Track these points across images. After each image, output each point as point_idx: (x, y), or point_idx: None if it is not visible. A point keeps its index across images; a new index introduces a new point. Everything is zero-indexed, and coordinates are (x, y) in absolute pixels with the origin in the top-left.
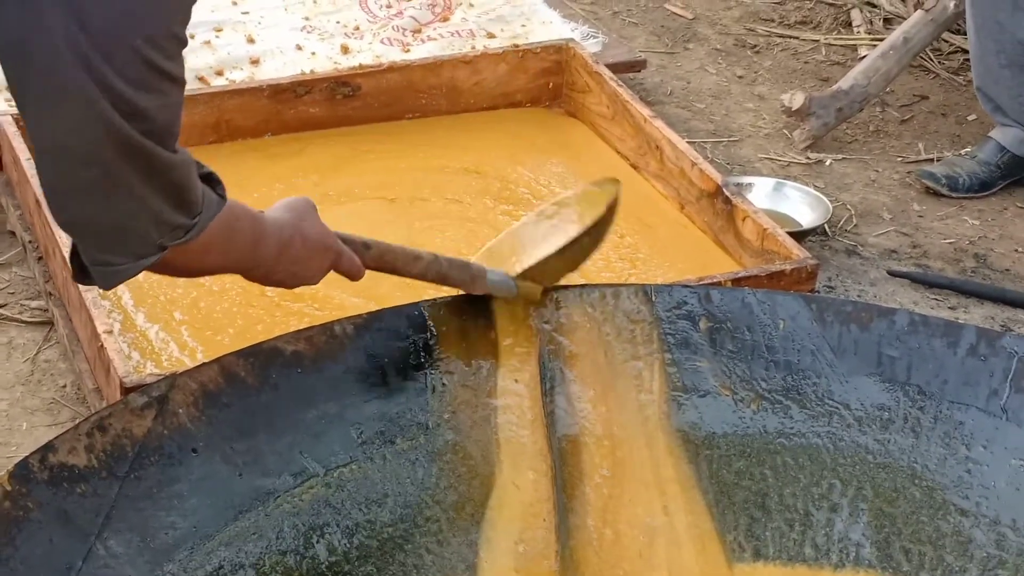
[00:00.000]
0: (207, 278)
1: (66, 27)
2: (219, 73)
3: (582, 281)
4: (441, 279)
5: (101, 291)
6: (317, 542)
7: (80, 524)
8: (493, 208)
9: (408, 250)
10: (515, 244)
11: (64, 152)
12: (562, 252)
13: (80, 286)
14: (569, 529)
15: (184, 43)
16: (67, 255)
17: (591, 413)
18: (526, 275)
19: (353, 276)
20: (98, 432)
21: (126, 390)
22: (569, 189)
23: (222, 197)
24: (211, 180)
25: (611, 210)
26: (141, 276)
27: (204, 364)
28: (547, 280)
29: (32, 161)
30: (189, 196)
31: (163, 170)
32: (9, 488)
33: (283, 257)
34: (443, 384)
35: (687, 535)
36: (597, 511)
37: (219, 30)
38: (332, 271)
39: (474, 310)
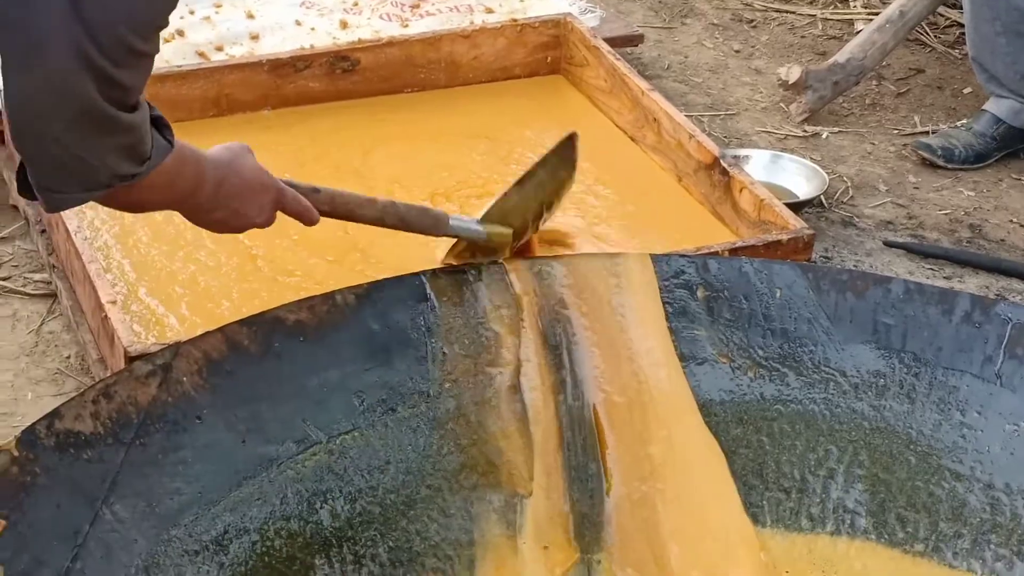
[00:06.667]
0: (203, 254)
1: (62, 12)
2: (219, 48)
3: (583, 250)
4: (401, 224)
5: (103, 264)
6: (320, 507)
7: (87, 489)
8: (503, 168)
9: (361, 196)
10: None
11: (38, 111)
12: (520, 185)
13: (84, 259)
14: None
15: (164, 27)
16: (13, 172)
17: (597, 379)
18: (490, 217)
19: (304, 218)
20: (104, 399)
21: (130, 359)
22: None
23: (169, 142)
24: (159, 124)
25: (567, 144)
26: (142, 248)
27: (208, 333)
28: (515, 221)
29: None
30: (141, 148)
31: (123, 132)
32: (16, 454)
33: (220, 194)
34: (444, 353)
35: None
36: (620, 475)
37: (219, 6)
38: (283, 213)
39: (475, 280)
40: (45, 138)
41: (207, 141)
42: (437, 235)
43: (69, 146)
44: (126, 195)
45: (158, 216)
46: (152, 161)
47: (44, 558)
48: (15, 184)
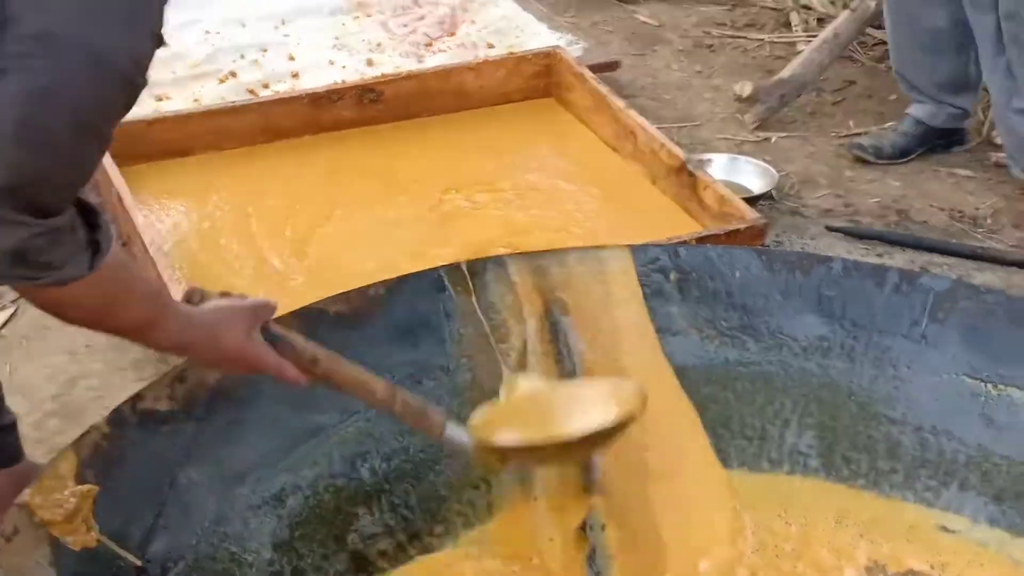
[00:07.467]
0: (256, 259)
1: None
2: (266, 86)
3: (577, 244)
4: (395, 417)
5: (176, 269)
6: (361, 466)
7: (166, 458)
8: (503, 172)
9: (363, 377)
10: (526, 409)
11: None
12: (545, 449)
13: (159, 267)
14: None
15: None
16: None
17: (590, 351)
18: (496, 449)
19: (288, 382)
20: (178, 383)
21: None
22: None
23: (91, 266)
24: (97, 246)
25: (621, 425)
26: (206, 253)
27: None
28: (516, 463)
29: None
30: (36, 259)
31: (17, 243)
32: (107, 431)
33: (185, 350)
34: (460, 333)
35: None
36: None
37: (265, 50)
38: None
39: (484, 273)
40: None
41: (260, 164)
42: (428, 434)
43: None
44: (46, 301)
45: (210, 229)
46: (57, 275)
47: (133, 516)
48: None
